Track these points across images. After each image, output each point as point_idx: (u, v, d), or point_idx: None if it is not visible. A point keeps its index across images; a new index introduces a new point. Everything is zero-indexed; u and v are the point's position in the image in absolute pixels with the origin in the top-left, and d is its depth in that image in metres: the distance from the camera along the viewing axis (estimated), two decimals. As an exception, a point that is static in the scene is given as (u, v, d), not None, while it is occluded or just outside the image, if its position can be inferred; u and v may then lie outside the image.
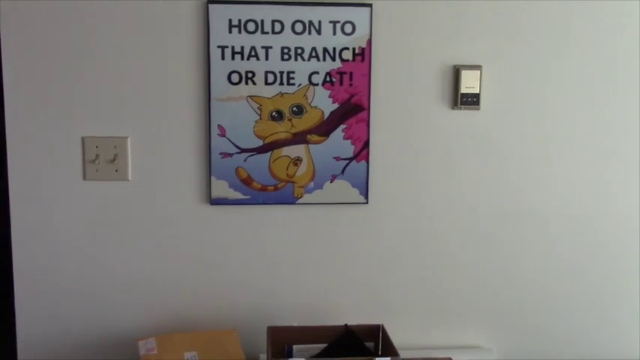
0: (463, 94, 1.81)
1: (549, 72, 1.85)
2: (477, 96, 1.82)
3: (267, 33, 1.75)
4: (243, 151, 1.79)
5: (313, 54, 1.77)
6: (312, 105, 1.79)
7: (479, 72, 1.81)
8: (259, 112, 1.78)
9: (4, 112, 1.73)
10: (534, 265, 1.93)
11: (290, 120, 1.79)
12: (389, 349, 1.68)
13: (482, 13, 1.80)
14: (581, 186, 1.91)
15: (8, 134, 1.74)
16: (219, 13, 1.73)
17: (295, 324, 1.79)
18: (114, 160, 1.77)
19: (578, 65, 1.85)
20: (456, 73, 1.81)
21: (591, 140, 1.89)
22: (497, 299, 1.93)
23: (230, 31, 1.74)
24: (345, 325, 1.76)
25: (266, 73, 1.76)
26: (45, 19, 1.70)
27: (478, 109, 1.83)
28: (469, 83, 1.81)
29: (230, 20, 1.73)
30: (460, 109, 1.82)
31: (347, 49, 1.77)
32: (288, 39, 1.75)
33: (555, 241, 1.93)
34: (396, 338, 1.70)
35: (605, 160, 1.90)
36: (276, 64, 1.76)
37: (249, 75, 1.76)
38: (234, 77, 1.76)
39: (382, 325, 1.76)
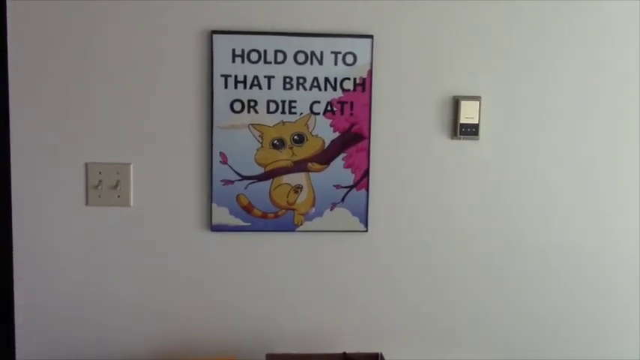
0: (462, 125, 1.83)
1: (548, 102, 1.87)
2: (476, 126, 1.84)
3: (270, 63, 1.78)
4: (244, 178, 1.81)
5: (315, 84, 1.79)
6: (313, 134, 1.81)
7: (478, 103, 1.83)
8: (261, 140, 1.80)
9: (9, 137, 1.75)
10: (533, 293, 1.94)
11: (291, 148, 1.81)
12: (387, 377, 1.68)
13: (481, 45, 1.83)
14: (580, 216, 1.92)
15: (13, 159, 1.76)
16: (223, 43, 1.76)
17: (294, 352, 1.79)
18: (116, 186, 1.79)
19: (577, 96, 1.88)
20: (456, 103, 1.83)
21: (591, 171, 1.91)
22: (496, 327, 1.94)
23: (233, 61, 1.77)
24: (344, 353, 1.76)
25: (268, 101, 1.79)
26: (51, 46, 1.73)
27: (477, 139, 1.85)
28: (468, 114, 1.83)
29: (234, 50, 1.76)
30: (459, 139, 1.84)
31: (348, 79, 1.80)
32: (291, 69, 1.78)
33: (554, 271, 1.93)
34: (395, 367, 1.71)
35: (604, 191, 1.92)
36: (278, 93, 1.79)
37: (252, 103, 1.79)
38: (237, 106, 1.78)
39: (381, 353, 1.76)
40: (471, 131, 1.84)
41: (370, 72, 1.80)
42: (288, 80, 1.79)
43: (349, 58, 1.79)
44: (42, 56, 1.73)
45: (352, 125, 1.82)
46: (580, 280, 1.94)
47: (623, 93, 1.89)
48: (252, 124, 1.79)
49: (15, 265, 1.80)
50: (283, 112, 1.80)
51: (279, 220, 1.83)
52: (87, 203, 1.79)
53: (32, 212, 1.78)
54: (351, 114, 1.81)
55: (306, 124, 1.81)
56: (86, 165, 1.78)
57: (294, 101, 1.79)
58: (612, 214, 1.93)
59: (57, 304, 1.82)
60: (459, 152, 1.86)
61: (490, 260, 1.91)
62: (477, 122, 1.84)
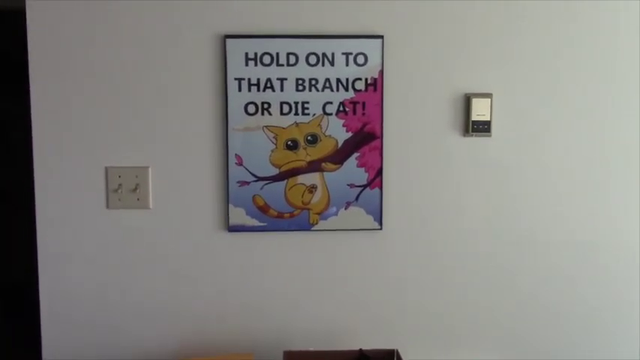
0: (474, 122, 1.85)
1: (559, 99, 1.88)
2: (488, 123, 1.85)
3: (282, 65, 1.81)
4: (259, 179, 1.84)
5: (327, 85, 1.82)
6: (327, 134, 1.84)
7: (489, 100, 1.84)
8: (275, 142, 1.83)
9: (31, 143, 1.81)
10: (546, 291, 1.94)
11: (305, 149, 1.84)
12: (403, 373, 1.70)
13: (491, 42, 1.85)
14: (592, 214, 1.92)
15: (36, 165, 1.81)
16: (236, 47, 1.80)
17: (311, 348, 1.82)
18: (135, 189, 1.83)
19: (589, 92, 1.88)
20: (467, 101, 1.85)
21: (604, 168, 1.90)
22: (511, 324, 1.94)
23: (247, 64, 1.80)
24: (360, 349, 1.78)
25: (281, 103, 1.82)
26: (69, 53, 1.78)
27: (489, 135, 1.86)
28: (480, 111, 1.85)
29: (246, 53, 1.80)
30: (472, 136, 1.86)
31: (359, 79, 1.82)
32: (303, 70, 1.81)
33: (566, 269, 1.93)
34: (410, 363, 1.72)
35: (617, 189, 1.91)
36: (291, 94, 1.82)
37: (265, 106, 1.82)
38: (251, 108, 1.82)
39: (397, 350, 1.78)
40: (483, 128, 1.85)
41: (381, 72, 1.82)
42: (300, 82, 1.82)
43: (360, 59, 1.82)
44: (61, 62, 1.78)
45: (365, 125, 1.84)
46: (592, 279, 1.94)
47: (635, 90, 1.88)
48: (266, 126, 1.83)
49: (39, 268, 1.85)
50: (296, 113, 1.83)
51: (295, 219, 1.86)
52: (107, 206, 1.84)
53: (55, 216, 1.83)
54: (364, 114, 1.84)
55: (319, 124, 1.83)
56: (106, 169, 1.83)
57: (307, 102, 1.82)
58: (626, 212, 1.92)
59: (80, 305, 1.86)
60: (472, 149, 1.87)
61: (503, 258, 1.92)
62: (488, 119, 1.85)
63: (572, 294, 1.94)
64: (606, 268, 1.94)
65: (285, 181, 1.85)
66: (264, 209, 1.85)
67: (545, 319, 1.95)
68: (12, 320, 3.83)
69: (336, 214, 1.87)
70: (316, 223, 1.87)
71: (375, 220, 1.87)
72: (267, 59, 1.80)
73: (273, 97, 1.82)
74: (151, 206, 1.85)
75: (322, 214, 1.87)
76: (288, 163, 1.84)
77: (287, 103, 1.82)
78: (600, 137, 1.90)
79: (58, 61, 1.78)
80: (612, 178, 1.91)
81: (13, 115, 3.82)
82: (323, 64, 1.81)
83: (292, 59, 1.81)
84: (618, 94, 1.88)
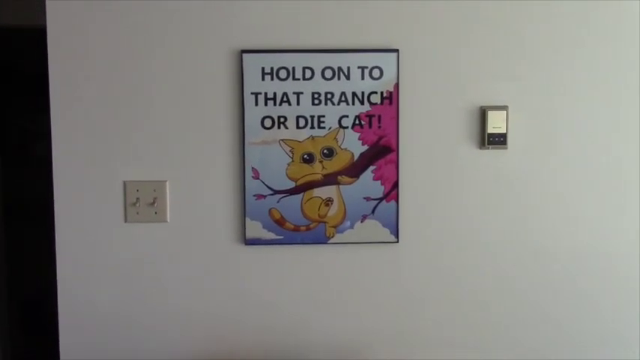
0: (490, 134, 1.85)
1: (575, 111, 1.87)
2: (504, 136, 1.85)
3: (298, 79, 1.82)
4: (276, 192, 1.85)
5: (343, 98, 1.83)
6: (342, 147, 1.85)
7: (505, 112, 1.84)
8: (291, 155, 1.84)
9: (51, 158, 1.84)
10: (563, 305, 1.92)
11: (321, 162, 1.85)
12: (420, 387, 1.69)
13: (506, 55, 1.85)
14: (609, 227, 1.90)
15: (55, 179, 1.84)
16: (253, 62, 1.81)
17: (328, 362, 1.82)
18: (153, 203, 1.85)
19: (605, 104, 1.87)
20: (483, 113, 1.85)
21: (620, 181, 1.89)
22: (527, 340, 1.92)
23: (263, 79, 1.82)
24: (377, 363, 1.78)
25: (297, 117, 1.83)
26: (90, 70, 1.81)
27: (506, 148, 1.86)
28: (496, 123, 1.85)
29: (263, 68, 1.82)
30: (488, 148, 1.86)
31: (375, 93, 1.83)
32: (319, 84, 1.83)
33: (584, 281, 1.91)
34: (428, 376, 1.72)
35: (635, 202, 1.90)
36: (307, 108, 1.83)
37: (282, 120, 1.83)
38: (267, 122, 1.83)
39: (414, 364, 1.77)
40: (499, 141, 1.85)
41: (397, 85, 1.83)
42: (316, 96, 1.83)
43: (376, 73, 1.83)
44: (80, 78, 1.81)
45: (380, 138, 1.85)
46: (611, 292, 1.92)
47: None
48: (282, 140, 1.84)
49: (59, 282, 1.87)
50: (312, 127, 1.84)
51: (311, 232, 1.87)
52: (125, 220, 1.86)
53: (74, 230, 1.85)
54: (379, 127, 1.84)
55: (335, 138, 1.84)
56: (124, 183, 1.85)
57: (323, 116, 1.84)
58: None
59: (99, 319, 1.88)
60: (488, 162, 1.87)
61: (521, 270, 1.90)
62: (504, 132, 1.85)
63: (589, 308, 1.92)
64: (627, 280, 1.92)
65: (302, 194, 1.85)
66: (280, 222, 1.86)
67: (566, 337, 1.93)
68: (31, 335, 3.86)
69: (352, 227, 1.87)
70: (332, 237, 1.87)
71: (391, 233, 1.87)
72: (283, 74, 1.82)
73: (289, 111, 1.83)
74: (168, 220, 1.86)
75: (338, 228, 1.87)
76: (304, 176, 1.85)
77: (303, 116, 1.83)
78: (618, 149, 1.89)
79: (77, 77, 1.81)
80: (631, 190, 1.90)
81: (34, 131, 3.89)
82: (339, 78, 1.83)
83: (308, 73, 1.82)
84: (637, 105, 1.87)
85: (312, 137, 1.84)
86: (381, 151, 1.85)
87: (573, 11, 1.84)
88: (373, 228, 1.87)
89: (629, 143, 1.89)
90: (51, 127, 1.83)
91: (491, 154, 1.87)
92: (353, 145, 1.85)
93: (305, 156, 1.85)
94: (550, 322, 1.93)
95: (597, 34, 1.86)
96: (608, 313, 1.93)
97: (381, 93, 1.83)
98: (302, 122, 1.84)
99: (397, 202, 1.86)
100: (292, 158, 1.84)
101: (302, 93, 1.83)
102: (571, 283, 1.92)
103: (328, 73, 1.82)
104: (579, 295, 1.92)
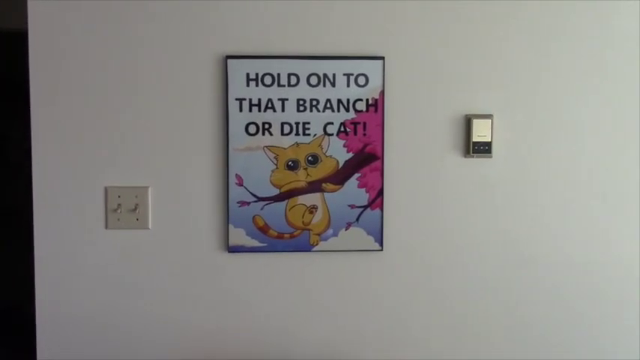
0: (475, 143, 1.85)
1: (560, 119, 1.88)
2: (488, 144, 1.85)
3: (284, 86, 1.81)
4: (260, 199, 1.83)
5: (328, 105, 1.82)
6: (327, 154, 1.84)
7: (490, 121, 1.84)
8: (276, 162, 1.83)
9: (31, 163, 1.80)
10: (549, 311, 1.92)
11: (305, 169, 1.84)
12: (404, 396, 1.68)
13: (492, 64, 1.85)
14: (594, 234, 1.91)
15: (35, 184, 1.81)
16: (237, 68, 1.80)
17: (311, 371, 1.80)
18: (135, 209, 1.82)
19: (590, 112, 1.88)
20: (468, 122, 1.85)
21: (605, 188, 1.90)
22: (512, 347, 1.93)
23: (248, 85, 1.80)
24: (361, 372, 1.77)
25: (282, 124, 1.82)
26: (71, 75, 1.78)
27: (490, 157, 1.86)
28: (481, 132, 1.85)
29: (248, 74, 1.80)
30: (472, 157, 1.86)
31: (360, 100, 1.83)
32: (304, 91, 1.82)
33: (569, 289, 1.92)
34: (412, 386, 1.71)
35: (619, 208, 1.91)
36: (292, 115, 1.82)
37: (266, 126, 1.82)
38: (252, 128, 1.82)
39: (398, 373, 1.76)
40: (484, 149, 1.85)
41: (382, 93, 1.83)
42: (301, 102, 1.82)
43: (361, 80, 1.82)
44: (61, 83, 1.78)
45: (365, 145, 1.84)
46: (595, 300, 1.93)
47: (637, 108, 1.89)
48: (267, 146, 1.82)
49: (37, 288, 1.83)
50: (297, 133, 1.83)
51: (295, 240, 1.85)
52: (106, 226, 1.83)
53: (53, 236, 1.82)
54: (364, 134, 1.83)
55: (320, 145, 1.83)
56: (105, 189, 1.82)
57: (308, 123, 1.82)
58: (628, 231, 1.91)
59: (77, 326, 1.85)
60: (473, 170, 1.87)
61: (505, 278, 1.91)
62: (489, 140, 1.85)
63: (577, 316, 1.93)
64: (608, 289, 1.93)
65: (286, 201, 1.84)
66: (264, 230, 1.84)
67: (551, 344, 1.93)
68: (7, 341, 3.80)
69: (336, 234, 1.86)
70: (316, 244, 1.86)
71: (375, 240, 1.86)
72: (268, 80, 1.81)
73: (274, 118, 1.82)
74: (150, 226, 1.84)
75: (322, 235, 1.86)
76: (288, 183, 1.84)
77: (288, 123, 1.82)
78: (603, 157, 1.89)
79: (58, 82, 1.78)
80: (617, 198, 1.91)
81: (12, 136, 3.83)
82: (324, 85, 1.82)
83: (293, 80, 1.81)
84: (624, 112, 1.88)
85: (297, 144, 1.83)
86: (366, 159, 1.84)
87: (558, 21, 1.85)
88: (357, 236, 1.86)
89: (615, 151, 1.90)
90: (30, 133, 1.79)
91: (476, 162, 1.87)
92: (338, 152, 1.84)
93: (289, 163, 1.83)
94: (535, 328, 1.93)
95: (584, 43, 1.86)
96: (595, 319, 1.93)
97: (367, 100, 1.83)
98: (287, 129, 1.82)
99: (382, 209, 1.86)
100: (276, 165, 1.83)
101: (287, 99, 1.82)
102: (556, 290, 1.92)
103: (314, 80, 1.81)
104: (564, 302, 1.92)
